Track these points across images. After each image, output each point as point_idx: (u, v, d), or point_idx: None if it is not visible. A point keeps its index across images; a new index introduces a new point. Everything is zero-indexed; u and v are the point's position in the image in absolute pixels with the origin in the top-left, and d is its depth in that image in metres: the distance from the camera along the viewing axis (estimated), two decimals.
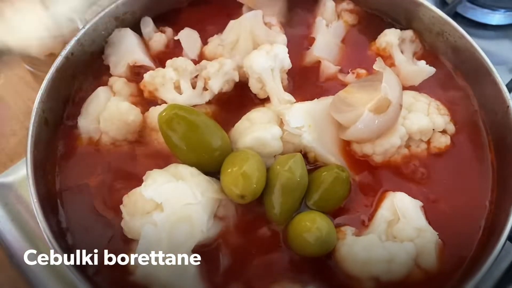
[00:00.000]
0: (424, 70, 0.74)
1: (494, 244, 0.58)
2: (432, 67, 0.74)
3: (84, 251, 0.61)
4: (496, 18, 1.00)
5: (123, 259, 0.60)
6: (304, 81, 0.76)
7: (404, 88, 0.75)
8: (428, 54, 0.81)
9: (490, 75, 0.71)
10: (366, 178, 0.67)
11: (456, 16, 0.98)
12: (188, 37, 0.78)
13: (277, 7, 0.81)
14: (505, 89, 0.70)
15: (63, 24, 0.79)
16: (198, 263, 0.59)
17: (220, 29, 0.78)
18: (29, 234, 0.74)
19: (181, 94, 0.70)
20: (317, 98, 0.70)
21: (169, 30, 0.80)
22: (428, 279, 0.60)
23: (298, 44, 0.80)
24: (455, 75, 0.78)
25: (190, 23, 0.81)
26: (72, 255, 0.59)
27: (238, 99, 0.74)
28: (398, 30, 0.79)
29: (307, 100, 0.70)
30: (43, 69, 0.95)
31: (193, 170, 0.62)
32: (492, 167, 0.70)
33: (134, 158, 0.68)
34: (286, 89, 0.72)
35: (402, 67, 0.76)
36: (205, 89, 0.71)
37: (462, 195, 0.67)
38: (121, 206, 0.61)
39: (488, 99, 0.73)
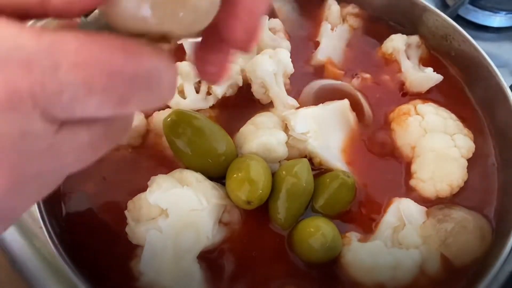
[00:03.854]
0: (431, 77, 0.74)
1: (500, 249, 0.58)
2: (439, 75, 0.74)
3: (87, 256, 0.60)
4: (497, 20, 1.00)
5: (127, 265, 0.59)
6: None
7: (411, 94, 0.75)
8: (432, 58, 0.80)
9: (494, 78, 0.71)
10: (372, 183, 0.67)
11: (458, 18, 0.98)
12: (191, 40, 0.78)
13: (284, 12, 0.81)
14: (509, 92, 0.69)
15: None
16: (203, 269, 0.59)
17: None
18: (31, 238, 0.73)
19: (184, 99, 0.69)
20: (322, 103, 0.70)
21: None
22: (434, 286, 0.60)
23: (303, 48, 0.79)
24: (460, 79, 0.78)
25: None
26: (75, 260, 0.59)
27: (242, 103, 0.73)
28: (405, 36, 0.79)
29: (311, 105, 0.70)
30: None
31: (198, 175, 0.61)
32: (497, 171, 0.70)
33: (138, 163, 0.68)
34: (289, 93, 0.72)
35: (409, 73, 0.76)
36: (208, 93, 0.71)
37: (466, 199, 0.67)
38: (125, 212, 0.61)
39: (491, 102, 0.73)
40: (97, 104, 0.27)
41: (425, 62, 0.80)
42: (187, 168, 0.63)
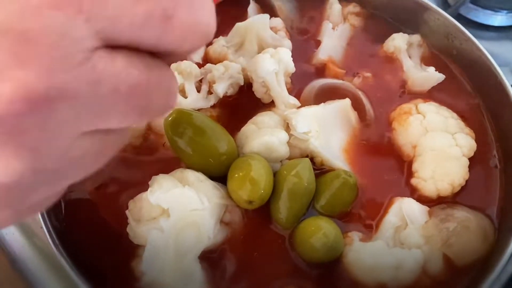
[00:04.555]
0: (433, 76, 0.74)
1: (503, 249, 0.58)
2: (441, 74, 0.74)
3: (88, 256, 0.60)
4: (498, 19, 1.00)
5: (129, 265, 0.59)
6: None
7: (413, 93, 0.75)
8: (434, 57, 0.80)
9: (495, 77, 0.71)
10: (373, 182, 0.67)
11: (459, 17, 0.97)
12: None
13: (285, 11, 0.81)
14: (510, 91, 0.69)
15: None
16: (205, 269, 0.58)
17: (225, 31, 0.77)
18: (31, 238, 0.73)
19: (186, 98, 0.69)
20: (323, 102, 0.70)
21: None
22: (436, 286, 0.59)
23: (304, 47, 0.79)
24: (461, 78, 0.78)
25: None
26: (76, 260, 0.58)
27: (243, 102, 0.73)
28: (406, 35, 0.79)
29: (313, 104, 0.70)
30: None
31: (200, 175, 0.61)
32: (499, 170, 0.69)
33: (139, 163, 0.68)
34: (290, 93, 0.72)
35: (410, 73, 0.76)
36: (209, 92, 0.71)
37: (468, 199, 0.66)
38: (126, 211, 0.60)
39: (493, 101, 0.73)
40: (142, 21, 0.27)
41: (426, 61, 0.80)
42: (188, 167, 0.62)
